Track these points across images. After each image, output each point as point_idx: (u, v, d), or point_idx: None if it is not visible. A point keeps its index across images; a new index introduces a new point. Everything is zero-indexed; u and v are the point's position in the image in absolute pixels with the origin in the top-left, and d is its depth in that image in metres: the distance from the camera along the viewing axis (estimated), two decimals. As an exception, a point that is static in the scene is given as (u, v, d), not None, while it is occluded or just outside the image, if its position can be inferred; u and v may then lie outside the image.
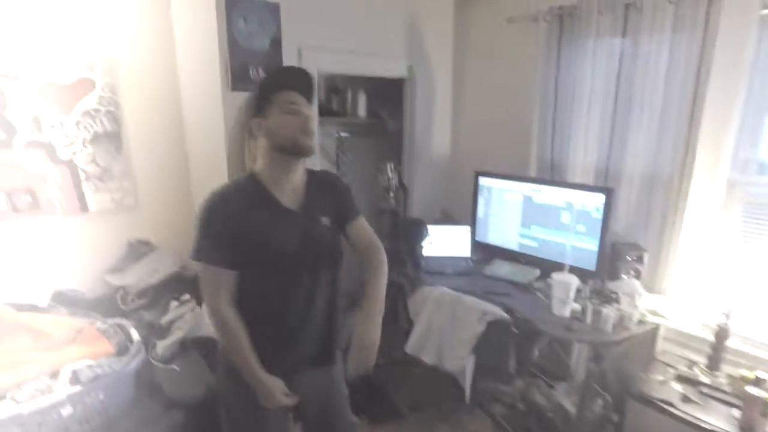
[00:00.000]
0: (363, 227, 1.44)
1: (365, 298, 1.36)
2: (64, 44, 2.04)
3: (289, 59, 2.13)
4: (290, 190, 1.31)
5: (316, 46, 2.21)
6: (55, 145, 2.09)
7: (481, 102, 2.88)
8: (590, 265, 2.18)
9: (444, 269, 2.45)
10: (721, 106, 1.87)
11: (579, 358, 2.49)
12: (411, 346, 2.12)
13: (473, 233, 2.61)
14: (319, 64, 2.23)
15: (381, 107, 3.02)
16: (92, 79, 2.14)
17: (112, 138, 2.24)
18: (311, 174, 1.38)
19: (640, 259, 2.07)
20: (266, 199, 1.27)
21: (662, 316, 1.95)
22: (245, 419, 1.39)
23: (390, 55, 2.56)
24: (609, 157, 2.25)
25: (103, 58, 2.14)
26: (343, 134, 3.01)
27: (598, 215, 2.14)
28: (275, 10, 2.04)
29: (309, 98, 1.31)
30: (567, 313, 1.93)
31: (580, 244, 2.22)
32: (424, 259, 2.41)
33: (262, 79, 1.33)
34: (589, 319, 1.87)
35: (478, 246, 2.62)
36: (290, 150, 1.25)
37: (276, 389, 1.28)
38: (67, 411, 1.70)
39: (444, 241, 2.58)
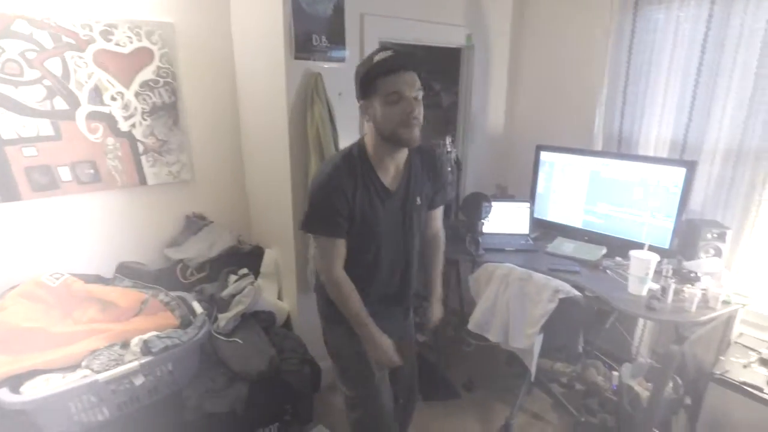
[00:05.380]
0: (440, 215, 1.58)
1: (434, 283, 1.60)
2: (121, 11, 1.99)
3: (351, 26, 2.04)
4: (393, 169, 1.36)
5: (377, 13, 2.11)
6: (116, 116, 2.07)
7: (540, 72, 2.74)
8: (664, 243, 2.08)
9: (503, 246, 2.37)
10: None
11: (643, 338, 2.41)
12: (474, 324, 2.07)
13: (532, 210, 2.52)
14: (380, 31, 2.14)
15: (434, 79, 2.92)
16: (150, 48, 2.09)
17: (169, 110, 2.20)
18: (417, 150, 1.40)
19: (721, 237, 1.96)
20: (372, 178, 1.32)
21: (745, 297, 1.84)
22: (357, 363, 1.48)
23: (449, 22, 2.44)
24: (688, 130, 2.12)
25: (159, 27, 2.09)
26: (394, 107, 2.92)
27: (677, 191, 2.02)
28: (339, -27, 1.95)
29: (418, 74, 1.23)
30: (644, 292, 1.84)
31: (654, 222, 2.12)
32: (482, 236, 2.34)
33: (364, 61, 1.26)
34: (670, 298, 1.78)
35: (537, 223, 2.53)
36: (392, 141, 1.26)
37: (389, 348, 1.39)
38: (139, 380, 1.72)
39: (501, 218, 2.49)
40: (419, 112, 1.23)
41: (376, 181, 1.32)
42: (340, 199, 1.26)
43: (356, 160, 1.31)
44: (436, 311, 1.61)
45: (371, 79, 1.21)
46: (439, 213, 1.56)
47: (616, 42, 2.28)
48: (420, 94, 1.24)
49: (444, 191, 1.54)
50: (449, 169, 2.44)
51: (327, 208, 1.27)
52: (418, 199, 1.41)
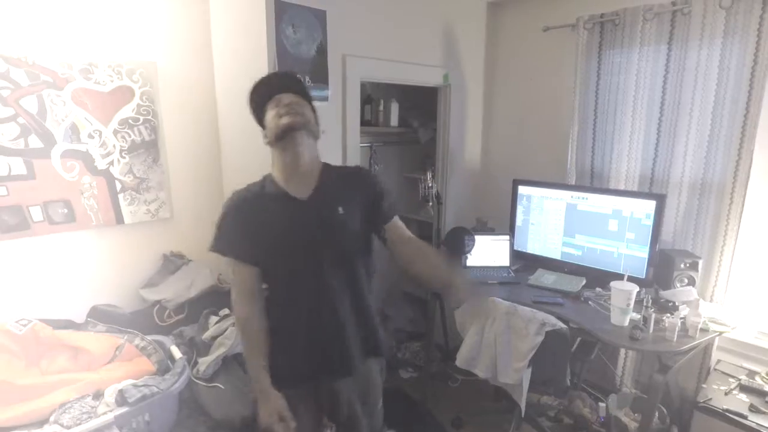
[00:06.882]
0: (401, 226, 1.41)
1: (438, 268, 1.33)
2: (103, 50, 1.99)
3: (333, 67, 2.09)
4: (299, 180, 1.32)
5: (359, 55, 2.18)
6: (93, 154, 2.03)
7: (513, 110, 2.86)
8: (640, 272, 2.14)
9: (486, 279, 2.39)
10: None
11: (625, 368, 2.44)
12: (462, 360, 2.06)
13: (512, 242, 2.57)
14: (362, 72, 2.20)
15: (412, 116, 3.00)
16: (131, 87, 2.08)
17: (149, 148, 2.17)
18: (331, 167, 1.40)
19: (693, 266, 2.04)
20: (276, 192, 1.32)
21: (723, 324, 1.91)
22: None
23: (427, 63, 2.54)
24: (655, 164, 2.24)
25: (141, 66, 2.09)
26: (375, 144, 2.97)
27: (649, 222, 2.11)
28: (322, 16, 2.01)
29: (297, 92, 1.32)
30: (626, 322, 1.88)
31: (629, 252, 2.19)
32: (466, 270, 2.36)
33: (250, 97, 1.35)
34: (651, 328, 1.82)
35: (517, 255, 2.57)
36: (279, 135, 1.26)
37: (273, 406, 1.28)
38: (113, 434, 1.61)
39: (482, 251, 2.53)
40: (293, 107, 1.27)
41: (280, 192, 1.31)
42: (241, 218, 1.29)
43: (261, 184, 1.36)
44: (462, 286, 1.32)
45: (263, 103, 1.31)
46: (399, 223, 1.41)
47: (583, 83, 2.41)
48: (296, 100, 1.29)
49: (389, 198, 1.40)
50: (430, 203, 2.48)
51: (227, 226, 1.31)
52: (341, 209, 1.31)
